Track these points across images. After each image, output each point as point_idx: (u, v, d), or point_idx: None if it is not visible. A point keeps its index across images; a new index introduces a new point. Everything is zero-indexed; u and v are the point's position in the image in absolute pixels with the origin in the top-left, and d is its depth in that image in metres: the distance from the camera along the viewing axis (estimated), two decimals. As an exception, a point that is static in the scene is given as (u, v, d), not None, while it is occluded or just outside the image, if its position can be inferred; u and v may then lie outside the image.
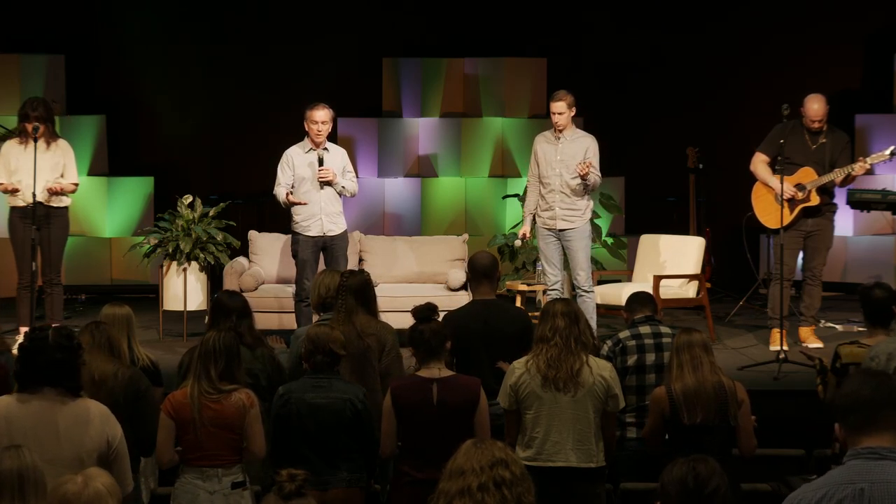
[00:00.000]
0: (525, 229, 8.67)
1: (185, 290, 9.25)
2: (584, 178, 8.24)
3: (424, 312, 5.37)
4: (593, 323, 8.34)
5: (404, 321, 6.29)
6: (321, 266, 8.55)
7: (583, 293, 8.41)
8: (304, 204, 8.45)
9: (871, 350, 5.38)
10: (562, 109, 8.38)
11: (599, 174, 8.38)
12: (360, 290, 6.09)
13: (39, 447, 4.04)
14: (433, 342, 5.25)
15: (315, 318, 6.73)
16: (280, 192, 8.53)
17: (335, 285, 6.27)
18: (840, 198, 9.07)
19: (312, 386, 5.29)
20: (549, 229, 8.47)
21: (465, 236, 10.32)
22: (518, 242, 8.97)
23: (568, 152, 8.37)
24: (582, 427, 5.32)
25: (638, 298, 6.38)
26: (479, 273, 6.48)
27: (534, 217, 8.59)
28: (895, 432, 3.22)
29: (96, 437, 4.14)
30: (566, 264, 8.62)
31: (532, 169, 8.59)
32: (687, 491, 3.31)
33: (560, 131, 8.42)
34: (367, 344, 5.97)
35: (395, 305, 8.73)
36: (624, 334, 6.16)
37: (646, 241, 9.82)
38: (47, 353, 4.15)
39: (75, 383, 4.23)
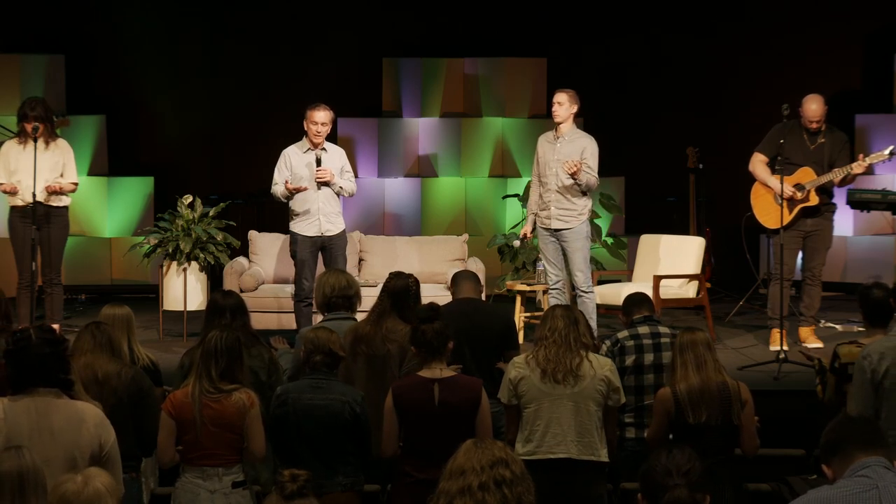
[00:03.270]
0: (527, 229, 8.65)
1: (185, 290, 9.25)
2: (574, 176, 8.22)
3: (427, 312, 5.37)
4: (593, 323, 8.34)
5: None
6: (320, 266, 8.56)
7: (581, 294, 8.39)
8: (305, 189, 8.40)
9: (864, 349, 5.38)
10: (562, 100, 8.34)
11: (595, 175, 8.32)
12: (399, 294, 6.12)
13: (34, 447, 4.03)
14: (435, 342, 5.26)
15: (318, 318, 6.73)
16: (277, 189, 8.53)
17: (340, 285, 6.27)
18: (840, 198, 9.07)
19: (311, 387, 5.29)
20: (545, 229, 8.46)
21: (465, 236, 10.33)
22: (517, 243, 8.96)
23: (565, 152, 8.34)
24: (583, 420, 5.31)
25: (634, 300, 6.38)
26: (460, 276, 6.72)
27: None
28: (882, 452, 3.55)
29: (90, 438, 4.14)
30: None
31: (534, 168, 8.58)
32: (662, 478, 3.36)
33: (559, 125, 8.41)
34: (388, 349, 5.98)
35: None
36: (622, 334, 6.16)
37: (646, 241, 9.82)
38: (34, 350, 4.15)
39: (67, 376, 4.23)
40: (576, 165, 8.12)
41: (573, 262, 8.41)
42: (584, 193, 8.36)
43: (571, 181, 8.28)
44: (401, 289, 6.14)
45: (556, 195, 8.36)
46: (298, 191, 8.41)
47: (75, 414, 4.17)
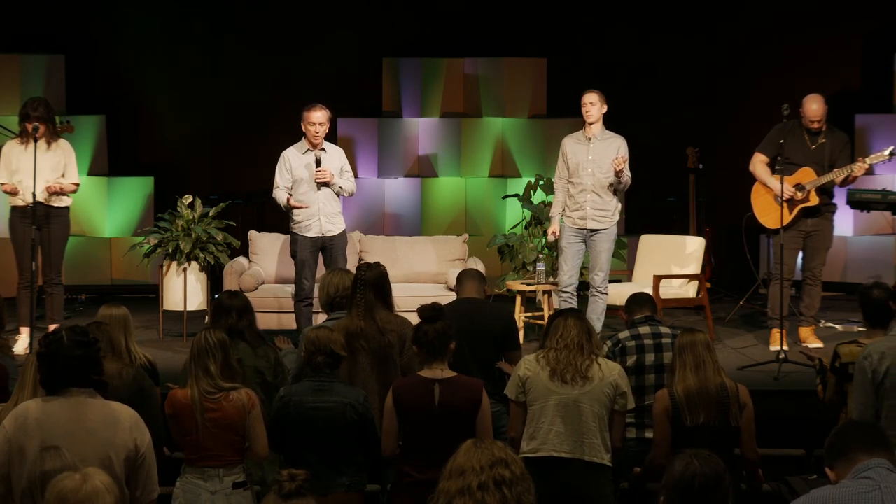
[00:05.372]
0: (554, 227, 8.63)
1: (185, 290, 9.25)
2: (618, 174, 8.27)
3: (431, 312, 5.36)
4: (600, 323, 8.37)
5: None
6: (320, 266, 8.56)
7: (597, 293, 8.45)
8: (307, 207, 8.45)
9: (864, 349, 5.37)
10: (594, 100, 8.42)
11: (629, 174, 8.42)
12: (378, 283, 6.11)
13: (69, 447, 4.01)
14: (437, 343, 5.24)
15: (322, 317, 6.72)
16: (280, 195, 8.53)
17: (344, 285, 6.27)
18: (840, 198, 9.07)
19: (313, 389, 5.29)
20: (578, 229, 8.48)
21: (465, 236, 10.33)
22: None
23: (600, 151, 8.41)
24: (587, 421, 5.28)
25: (637, 300, 6.39)
26: (465, 275, 6.72)
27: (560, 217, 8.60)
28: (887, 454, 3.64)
29: (125, 439, 4.11)
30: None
31: (560, 170, 8.60)
32: (691, 488, 3.34)
33: (591, 125, 8.44)
34: (389, 340, 5.98)
35: (395, 305, 8.74)
36: (623, 335, 6.16)
37: (646, 241, 9.83)
38: (66, 352, 4.13)
39: (100, 376, 4.22)
40: (623, 161, 8.22)
41: (598, 262, 8.46)
42: (615, 193, 8.41)
43: (610, 180, 8.34)
44: (378, 277, 6.13)
45: (592, 195, 8.41)
46: (299, 207, 8.44)
47: (110, 414, 4.15)
